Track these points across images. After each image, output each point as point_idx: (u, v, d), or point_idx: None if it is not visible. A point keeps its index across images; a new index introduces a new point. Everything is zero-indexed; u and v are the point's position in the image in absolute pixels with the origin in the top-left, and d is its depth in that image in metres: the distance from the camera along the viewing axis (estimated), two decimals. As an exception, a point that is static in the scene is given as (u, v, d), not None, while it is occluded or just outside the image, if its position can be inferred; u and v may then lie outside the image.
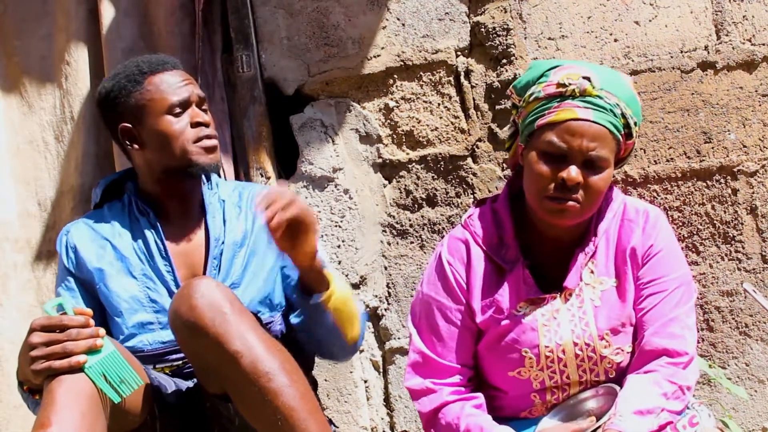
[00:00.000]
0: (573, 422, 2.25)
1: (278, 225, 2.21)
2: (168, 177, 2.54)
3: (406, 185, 3.28)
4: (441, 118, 3.26)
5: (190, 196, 2.60)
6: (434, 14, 3.25)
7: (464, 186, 3.24)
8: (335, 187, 3.30)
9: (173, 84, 2.52)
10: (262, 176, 3.28)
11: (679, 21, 3.13)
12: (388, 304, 3.30)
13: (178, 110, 2.51)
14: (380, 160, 3.30)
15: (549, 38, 3.19)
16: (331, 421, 2.53)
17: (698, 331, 2.85)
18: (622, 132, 2.26)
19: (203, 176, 2.59)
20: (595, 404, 2.28)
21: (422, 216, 3.27)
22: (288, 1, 3.32)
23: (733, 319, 3.12)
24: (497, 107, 3.22)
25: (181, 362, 2.46)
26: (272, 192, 2.25)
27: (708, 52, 3.11)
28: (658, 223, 2.33)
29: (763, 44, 3.09)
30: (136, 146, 2.53)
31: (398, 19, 3.27)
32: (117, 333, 2.49)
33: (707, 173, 3.12)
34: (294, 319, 2.49)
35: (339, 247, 3.29)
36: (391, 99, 3.28)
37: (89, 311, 2.18)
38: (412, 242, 3.28)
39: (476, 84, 3.24)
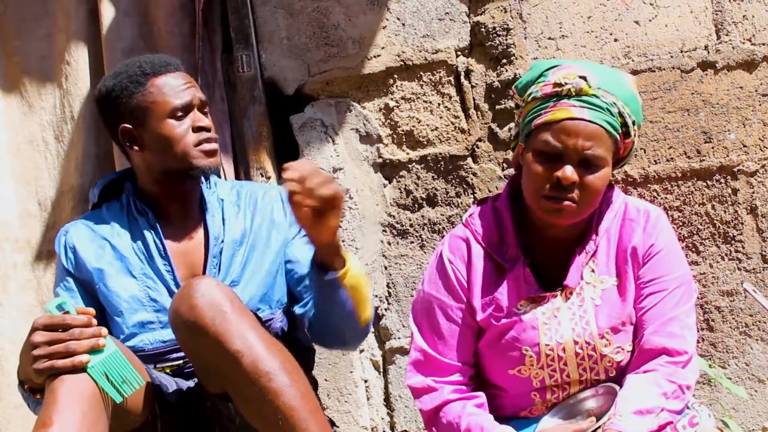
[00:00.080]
0: (573, 422, 2.25)
1: (303, 203, 2.19)
2: (167, 178, 2.54)
3: (406, 185, 3.28)
4: (441, 117, 3.26)
5: (189, 196, 2.59)
6: (434, 14, 3.25)
7: (464, 186, 3.24)
8: (335, 186, 3.30)
9: (176, 87, 2.51)
10: (262, 176, 3.29)
11: (679, 21, 3.13)
12: (389, 303, 3.30)
13: (180, 114, 2.50)
14: (380, 160, 3.30)
15: (549, 38, 3.19)
16: (331, 421, 2.53)
17: (698, 331, 2.85)
18: (620, 131, 2.26)
19: (202, 177, 2.59)
20: (594, 404, 2.28)
21: (422, 216, 3.27)
22: (288, 1, 3.32)
23: (733, 318, 3.12)
24: (497, 107, 3.22)
25: (181, 361, 2.46)
26: (304, 168, 2.21)
27: (708, 52, 3.12)
28: (659, 223, 2.34)
29: (763, 44, 3.09)
30: (136, 147, 2.53)
31: (398, 18, 3.27)
32: (117, 332, 2.49)
33: (707, 173, 3.12)
34: (299, 310, 2.49)
35: (339, 246, 3.29)
36: (392, 99, 3.28)
37: (92, 311, 2.18)
38: (412, 242, 3.28)
39: (476, 84, 3.24)
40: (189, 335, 2.17)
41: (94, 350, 2.12)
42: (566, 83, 2.24)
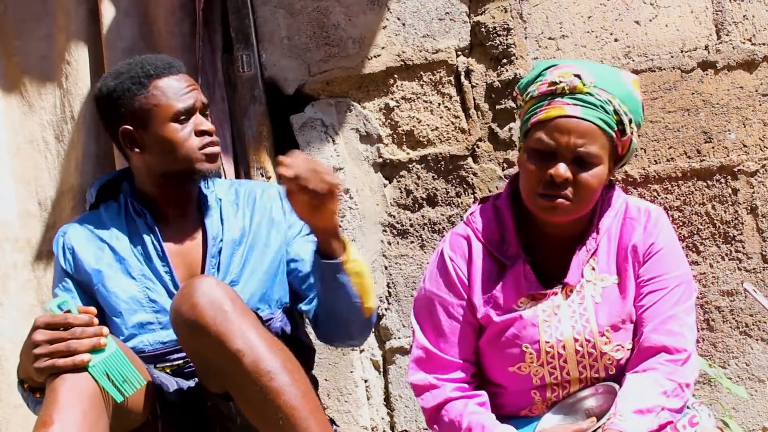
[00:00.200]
0: (574, 422, 2.25)
1: (299, 196, 2.21)
2: (167, 180, 2.53)
3: (406, 185, 3.29)
4: (441, 117, 3.26)
5: (187, 197, 2.59)
6: (434, 14, 3.25)
7: (464, 186, 3.24)
8: (336, 186, 3.30)
9: (179, 90, 2.50)
10: (262, 176, 3.29)
11: (680, 21, 3.13)
12: (389, 303, 3.30)
13: (183, 117, 2.48)
14: (381, 160, 3.30)
15: (549, 38, 3.19)
16: (331, 421, 2.53)
17: (698, 331, 2.85)
18: (615, 128, 2.26)
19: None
20: (594, 403, 2.29)
21: (422, 216, 3.27)
22: (288, 1, 3.32)
23: (734, 318, 3.12)
24: (497, 107, 3.22)
25: (182, 361, 2.46)
26: (299, 163, 2.23)
27: (708, 52, 3.12)
28: (659, 222, 2.35)
29: (764, 44, 3.09)
30: (136, 149, 2.51)
31: (398, 18, 3.27)
32: (117, 334, 2.48)
33: (707, 173, 3.12)
34: (305, 307, 2.49)
35: (339, 246, 3.29)
36: (392, 99, 3.28)
37: (93, 310, 2.17)
38: (412, 242, 3.28)
39: (476, 84, 3.24)
40: (190, 334, 2.17)
41: (95, 349, 2.12)
42: (561, 81, 2.25)
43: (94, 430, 2.07)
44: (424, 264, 3.22)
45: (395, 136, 3.29)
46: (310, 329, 2.65)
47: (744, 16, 3.10)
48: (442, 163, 3.26)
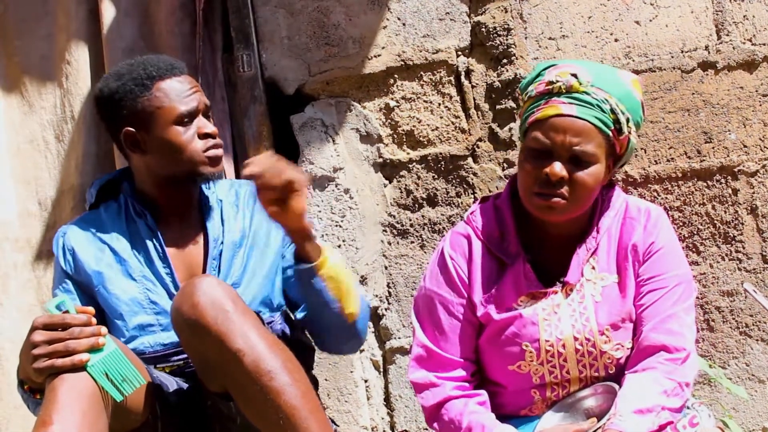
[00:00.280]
0: (574, 422, 2.25)
1: (271, 188, 2.24)
2: (169, 182, 2.52)
3: (406, 185, 3.28)
4: (441, 117, 3.26)
5: (189, 198, 2.58)
6: (435, 14, 3.25)
7: (465, 186, 3.24)
8: (336, 186, 3.30)
9: (182, 92, 2.48)
10: (262, 176, 3.28)
11: (680, 21, 3.13)
12: (389, 303, 3.30)
13: (186, 120, 2.47)
14: (381, 160, 3.30)
15: (550, 38, 3.19)
16: (332, 421, 2.53)
17: (698, 331, 2.86)
18: (612, 127, 2.27)
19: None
20: (593, 402, 2.29)
21: (423, 216, 3.27)
22: (289, 1, 3.32)
23: (734, 319, 3.12)
24: (498, 107, 3.22)
25: (182, 362, 2.46)
26: (263, 161, 2.26)
27: (708, 52, 3.12)
28: (659, 222, 2.35)
29: (764, 44, 3.09)
30: (138, 151, 2.50)
31: (399, 18, 3.27)
32: (117, 336, 2.47)
33: (708, 173, 3.12)
34: (299, 314, 2.49)
35: (339, 246, 3.29)
36: (392, 99, 3.28)
37: (91, 310, 2.17)
38: (412, 242, 3.28)
39: (477, 84, 3.24)
40: (191, 334, 2.17)
41: (94, 349, 2.11)
42: (557, 81, 2.26)
43: (94, 430, 2.07)
44: (424, 264, 3.22)
45: (395, 136, 3.29)
46: (309, 329, 2.65)
47: (744, 17, 3.10)
48: (442, 163, 3.26)
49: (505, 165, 3.21)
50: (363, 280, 3.29)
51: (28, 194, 3.46)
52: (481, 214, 2.40)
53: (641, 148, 3.13)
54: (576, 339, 2.30)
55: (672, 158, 3.13)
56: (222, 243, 2.54)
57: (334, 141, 3.30)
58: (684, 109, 3.13)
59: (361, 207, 3.30)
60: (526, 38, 3.20)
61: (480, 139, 3.23)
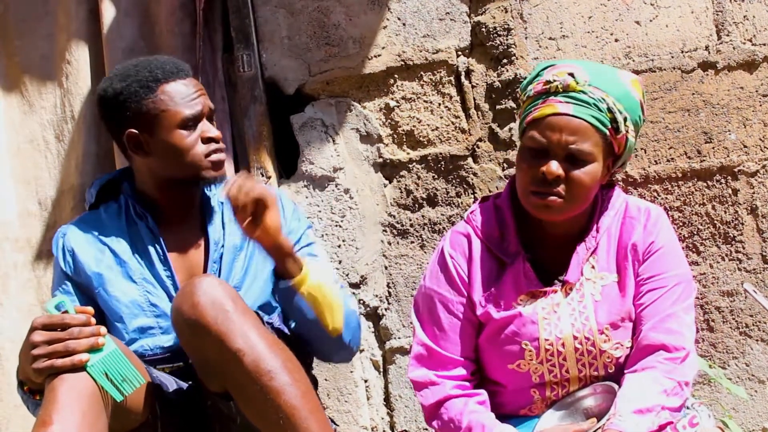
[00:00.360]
0: (573, 422, 2.25)
1: (244, 207, 2.26)
2: (170, 185, 2.52)
3: (406, 185, 3.28)
4: (441, 117, 3.26)
5: (190, 201, 2.58)
6: (435, 14, 3.25)
7: (465, 186, 3.24)
8: (336, 186, 3.30)
9: (186, 96, 2.47)
10: (262, 176, 3.28)
11: (680, 21, 3.13)
12: (389, 303, 3.30)
13: (190, 124, 2.46)
14: (381, 160, 3.30)
15: (550, 38, 3.19)
16: (332, 421, 2.53)
17: (698, 331, 2.86)
18: (609, 126, 2.27)
19: None
20: (593, 402, 2.29)
21: (423, 216, 3.27)
22: (289, 1, 3.32)
23: (734, 319, 3.12)
24: (498, 107, 3.22)
25: (182, 363, 2.45)
26: (239, 182, 2.30)
27: (709, 52, 3.12)
28: (659, 221, 2.36)
29: (764, 44, 3.09)
30: (141, 153, 2.49)
31: (399, 18, 3.27)
32: (118, 338, 2.48)
33: (708, 173, 3.12)
34: (292, 324, 2.48)
35: (339, 246, 3.29)
36: (392, 99, 3.28)
37: (90, 310, 2.17)
38: (412, 242, 3.28)
39: (477, 84, 3.24)
40: (191, 333, 2.17)
41: (94, 349, 2.11)
42: (554, 80, 2.27)
43: (94, 430, 2.07)
44: (424, 264, 3.22)
45: (395, 136, 3.29)
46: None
47: (744, 17, 3.10)
48: (442, 163, 3.26)
49: (505, 165, 3.21)
50: (363, 280, 3.29)
51: (28, 194, 3.46)
52: (481, 214, 2.41)
53: (641, 148, 3.13)
54: (575, 338, 2.30)
55: (672, 158, 3.13)
56: (223, 246, 2.54)
57: (334, 141, 3.30)
58: (684, 109, 3.13)
59: (361, 207, 3.30)
60: (526, 38, 3.20)
61: (480, 139, 3.23)
